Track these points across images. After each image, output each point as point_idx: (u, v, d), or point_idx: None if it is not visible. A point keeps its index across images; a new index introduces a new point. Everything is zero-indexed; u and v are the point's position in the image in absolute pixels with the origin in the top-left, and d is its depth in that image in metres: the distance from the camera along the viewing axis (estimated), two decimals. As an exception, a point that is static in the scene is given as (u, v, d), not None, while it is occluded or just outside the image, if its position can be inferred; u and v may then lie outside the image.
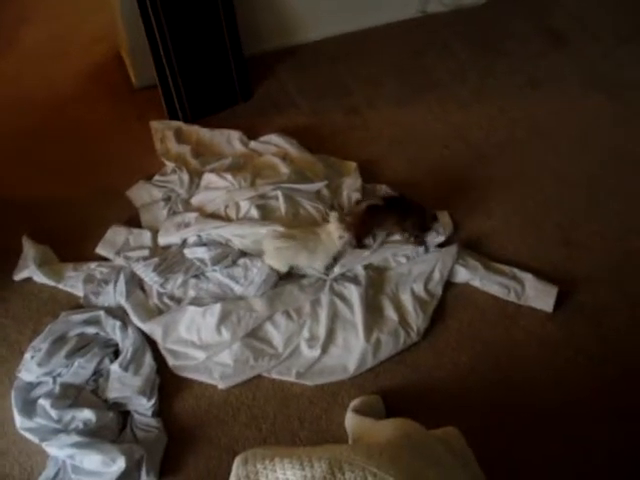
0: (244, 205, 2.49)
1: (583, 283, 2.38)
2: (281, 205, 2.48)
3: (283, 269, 2.35)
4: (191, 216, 2.48)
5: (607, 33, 3.34)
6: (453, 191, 2.66)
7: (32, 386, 2.17)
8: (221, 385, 2.17)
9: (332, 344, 2.22)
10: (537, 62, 3.20)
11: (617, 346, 2.22)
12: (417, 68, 3.18)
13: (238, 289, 2.33)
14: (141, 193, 2.67)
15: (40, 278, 2.42)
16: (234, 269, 2.36)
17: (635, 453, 1.99)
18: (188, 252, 2.40)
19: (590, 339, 2.24)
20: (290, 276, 2.39)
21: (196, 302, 2.31)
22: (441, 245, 2.46)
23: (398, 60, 3.23)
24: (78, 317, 2.29)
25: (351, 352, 2.19)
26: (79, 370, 2.18)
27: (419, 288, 2.34)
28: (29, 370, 2.18)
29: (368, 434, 1.82)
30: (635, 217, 2.57)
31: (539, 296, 2.32)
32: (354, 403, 2.07)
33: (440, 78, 3.14)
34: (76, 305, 2.37)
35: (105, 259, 2.48)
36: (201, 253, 2.38)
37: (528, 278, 2.36)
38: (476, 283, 2.37)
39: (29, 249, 2.47)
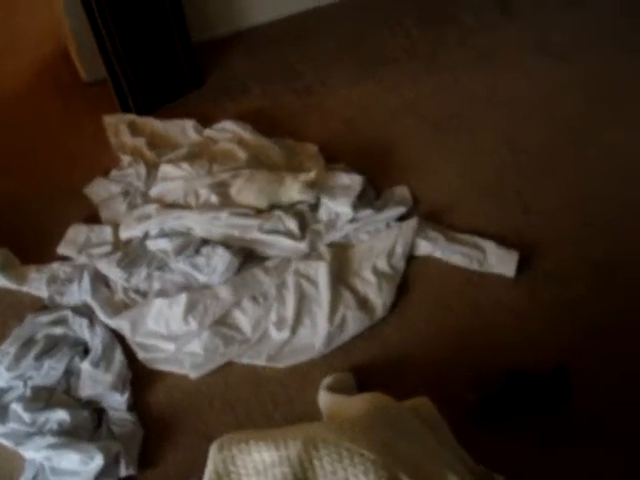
0: (203, 193, 2.48)
1: (544, 248, 2.41)
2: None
3: (261, 204, 2.41)
4: (151, 208, 2.47)
5: (552, 1, 3.36)
6: (411, 165, 2.68)
7: (2, 392, 2.15)
8: (193, 374, 2.17)
9: (300, 325, 2.23)
10: (488, 32, 3.21)
11: (579, 308, 2.26)
12: (368, 45, 3.19)
13: (202, 278, 2.33)
14: (99, 189, 2.64)
15: (2, 282, 2.39)
16: (197, 258, 2.36)
17: (600, 408, 2.04)
18: (150, 244, 2.39)
19: (553, 303, 2.27)
20: (253, 259, 2.40)
21: (162, 294, 2.31)
22: (401, 219, 2.47)
23: (349, 38, 3.23)
24: (44, 318, 2.27)
25: (319, 331, 2.20)
26: (50, 371, 2.16)
27: (382, 263, 2.35)
28: (-1, 375, 2.17)
29: (341, 410, 1.85)
30: (593, 182, 2.60)
31: (501, 262, 2.35)
32: (326, 381, 2.09)
33: (392, 54, 3.14)
34: (41, 307, 2.34)
35: (67, 258, 2.46)
36: (163, 244, 2.37)
37: (489, 245, 2.38)
38: (438, 254, 2.39)
39: (-12, 253, 2.45)
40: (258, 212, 2.45)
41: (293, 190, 2.45)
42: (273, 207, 2.47)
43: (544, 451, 1.93)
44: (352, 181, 2.52)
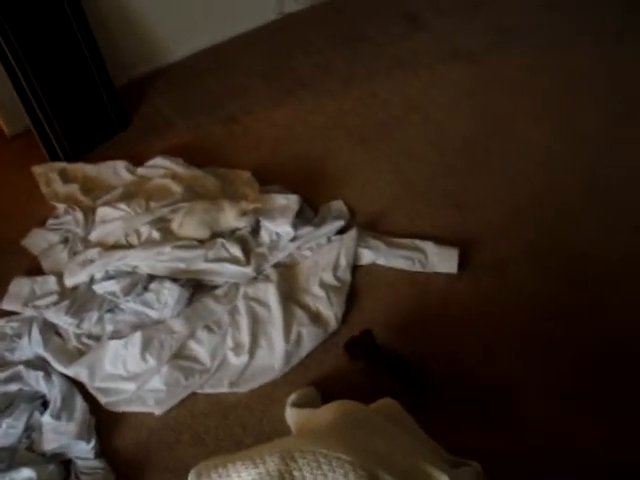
0: (144, 230, 2.50)
1: (480, 241, 2.53)
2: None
3: (203, 234, 2.45)
4: (93, 252, 2.46)
5: (455, 8, 3.54)
6: (342, 178, 2.77)
7: (-39, 462, 2.11)
8: (157, 411, 2.17)
9: (257, 347, 2.26)
10: (399, 43, 3.36)
11: (522, 292, 2.37)
12: (285, 68, 3.27)
13: (154, 314, 2.33)
14: (37, 240, 2.62)
15: (-53, 346, 2.34)
16: (146, 295, 2.36)
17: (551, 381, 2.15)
18: (98, 288, 2.38)
19: (497, 290, 2.38)
20: (202, 289, 2.42)
21: (116, 335, 2.30)
22: (341, 232, 2.54)
23: (265, 64, 3.31)
24: (-3, 377, 2.24)
25: (277, 351, 2.24)
26: (9, 430, 2.11)
27: (329, 276, 2.41)
28: (-44, 443, 2.11)
29: (310, 423, 1.88)
30: (514, 173, 2.75)
31: (442, 261, 2.45)
32: (291, 398, 2.12)
33: (309, 74, 3.24)
34: (-8, 367, 2.30)
35: (13, 313, 2.41)
36: (110, 286, 2.36)
37: (429, 246, 2.48)
38: (381, 261, 2.47)
39: None
40: (201, 243, 2.47)
41: (231, 217, 2.48)
42: (215, 236, 2.50)
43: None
44: (289, 201, 2.57)
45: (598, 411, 2.06)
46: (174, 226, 2.50)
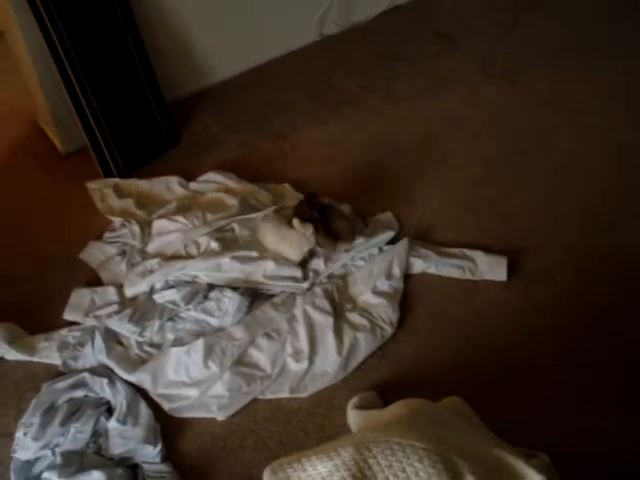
0: (203, 241, 2.55)
1: (527, 249, 2.59)
2: (239, 235, 2.58)
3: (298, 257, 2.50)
4: (153, 262, 2.51)
5: (493, 30, 3.63)
6: (390, 192, 2.83)
7: (30, 463, 2.13)
8: (220, 417, 2.21)
9: (316, 354, 2.31)
10: (436, 62, 3.44)
11: (570, 298, 2.43)
12: (328, 87, 3.36)
13: (215, 322, 2.38)
14: (94, 253, 2.68)
15: (13, 355, 2.38)
16: (207, 304, 2.41)
17: (600, 390, 2.20)
18: (158, 297, 2.43)
19: (546, 297, 2.44)
20: (259, 297, 2.47)
21: (177, 343, 2.35)
22: (391, 242, 2.61)
23: (308, 83, 3.39)
24: (62, 384, 2.27)
25: (334, 357, 2.28)
26: (77, 435, 2.16)
27: (382, 284, 2.46)
28: (25, 447, 2.14)
29: (377, 422, 1.92)
30: (555, 182, 2.83)
31: (492, 269, 2.51)
32: (353, 401, 2.16)
33: (351, 92, 3.31)
34: (55, 374, 2.34)
35: (74, 323, 2.47)
36: (171, 295, 2.42)
37: (478, 255, 2.54)
38: (432, 270, 2.52)
39: (-5, 329, 2.45)
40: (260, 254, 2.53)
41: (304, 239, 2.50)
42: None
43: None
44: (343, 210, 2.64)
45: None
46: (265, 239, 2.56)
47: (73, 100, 2.69)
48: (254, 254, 2.49)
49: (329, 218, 2.53)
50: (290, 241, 2.46)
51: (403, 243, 2.55)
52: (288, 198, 2.78)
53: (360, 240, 2.56)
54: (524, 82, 3.29)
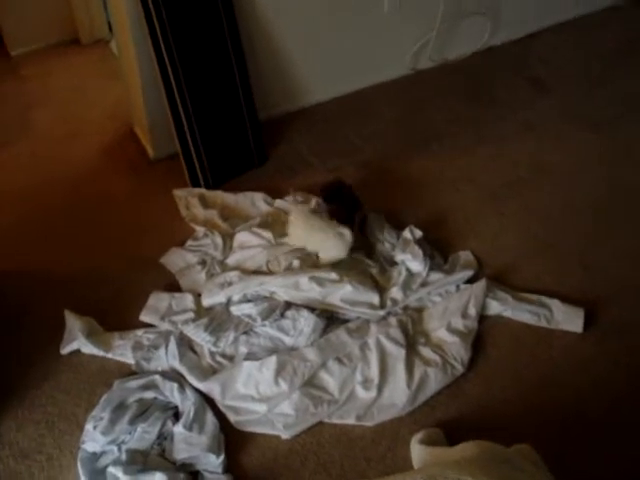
0: (284, 259, 2.59)
1: (606, 302, 2.53)
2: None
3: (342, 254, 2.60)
4: (232, 275, 2.56)
5: (582, 77, 3.62)
6: (472, 230, 2.83)
7: (97, 456, 2.18)
8: (285, 435, 2.21)
9: (385, 384, 2.29)
10: (525, 107, 3.45)
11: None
12: (417, 121, 3.39)
13: (289, 340, 2.40)
14: (175, 259, 2.74)
15: (89, 349, 2.45)
16: (283, 321, 2.44)
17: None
18: (235, 309, 2.47)
19: (623, 352, 2.38)
20: (334, 321, 2.48)
21: (250, 357, 2.37)
22: (469, 282, 2.59)
23: (398, 115, 3.43)
24: (134, 383, 2.32)
25: (403, 389, 2.26)
26: (143, 435, 2.20)
27: (457, 322, 2.44)
28: (94, 440, 2.19)
29: (442, 459, 1.89)
30: (634, 239, 2.77)
31: (568, 319, 2.46)
32: (418, 436, 2.14)
33: (440, 128, 3.34)
34: (127, 373, 2.39)
35: (150, 325, 2.53)
36: (248, 309, 2.45)
37: (555, 303, 2.49)
38: (508, 314, 2.49)
39: (74, 321, 2.51)
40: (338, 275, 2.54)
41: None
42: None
43: None
44: (413, 234, 2.68)
45: None
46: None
47: (171, 108, 2.78)
48: (333, 276, 2.50)
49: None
50: (327, 239, 2.56)
51: (481, 283, 2.53)
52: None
53: (438, 275, 2.57)
54: (616, 134, 3.26)
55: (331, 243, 2.58)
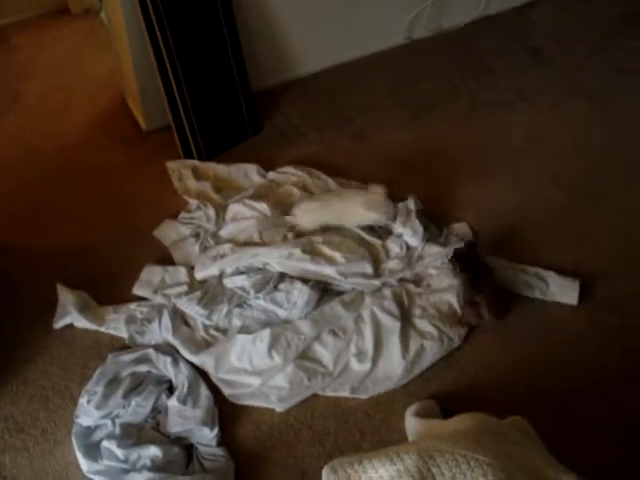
0: (278, 230, 2.58)
1: (601, 276, 2.52)
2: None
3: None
4: (225, 247, 2.54)
5: (579, 47, 3.56)
6: (467, 202, 2.81)
7: (91, 430, 2.18)
8: (279, 408, 2.21)
9: (380, 356, 2.29)
10: (521, 76, 3.40)
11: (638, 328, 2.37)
12: (412, 91, 3.35)
13: (282, 313, 2.39)
14: (168, 232, 2.72)
15: (82, 323, 2.44)
16: (276, 294, 2.42)
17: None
18: (228, 282, 2.45)
19: (617, 327, 2.38)
20: (329, 293, 2.47)
21: (243, 330, 2.36)
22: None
23: (393, 85, 3.39)
24: (127, 357, 2.31)
25: (398, 362, 2.26)
26: (137, 409, 2.20)
27: (453, 295, 2.44)
28: (88, 414, 2.19)
29: (437, 432, 1.88)
30: (635, 212, 2.74)
31: (563, 291, 2.45)
32: (412, 408, 2.14)
33: (435, 98, 3.30)
34: (121, 346, 2.39)
35: (143, 299, 2.51)
36: (241, 281, 2.44)
37: (550, 275, 2.48)
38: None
39: (67, 296, 2.49)
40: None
41: (359, 212, 2.59)
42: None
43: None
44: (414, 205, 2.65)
45: None
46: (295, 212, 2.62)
47: (163, 79, 2.74)
48: (326, 248, 2.49)
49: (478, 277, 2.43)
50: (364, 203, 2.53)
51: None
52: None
53: (435, 248, 2.54)
54: (612, 105, 3.22)
55: (362, 210, 2.57)
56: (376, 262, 2.51)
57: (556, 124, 3.15)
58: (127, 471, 2.06)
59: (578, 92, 3.29)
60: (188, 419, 2.17)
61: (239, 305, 2.42)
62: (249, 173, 2.91)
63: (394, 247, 2.57)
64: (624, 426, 2.13)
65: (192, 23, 2.70)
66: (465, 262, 2.43)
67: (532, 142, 3.06)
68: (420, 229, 2.55)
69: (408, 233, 2.57)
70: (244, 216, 2.66)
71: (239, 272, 2.48)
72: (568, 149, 3.03)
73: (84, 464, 2.09)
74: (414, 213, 2.61)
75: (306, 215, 2.62)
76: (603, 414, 2.16)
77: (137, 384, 2.27)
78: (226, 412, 2.22)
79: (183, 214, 2.78)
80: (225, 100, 2.94)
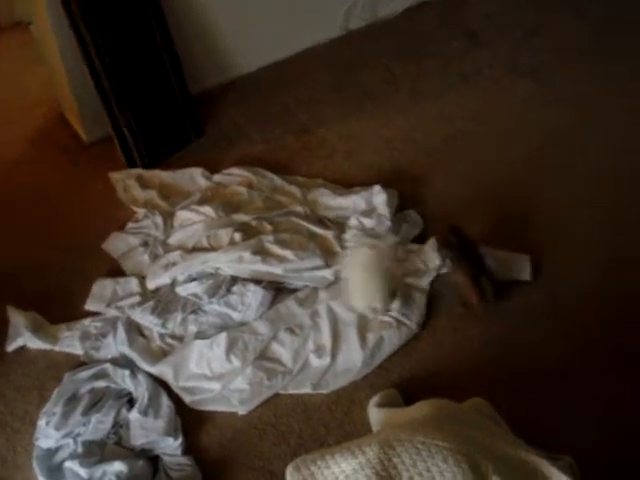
0: (225, 233, 2.55)
1: (550, 250, 2.55)
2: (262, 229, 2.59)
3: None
4: (175, 255, 2.52)
5: (515, 28, 3.59)
6: (414, 189, 2.81)
7: (52, 451, 2.14)
8: (242, 410, 2.20)
9: (339, 350, 2.29)
10: (460, 59, 3.42)
11: (596, 301, 2.39)
12: (352, 82, 3.35)
13: (237, 316, 2.38)
14: (117, 243, 2.68)
15: (35, 344, 2.39)
16: (230, 297, 2.41)
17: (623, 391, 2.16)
18: (180, 289, 2.43)
19: (568, 297, 2.40)
20: (283, 292, 2.46)
21: (200, 336, 2.34)
22: (417, 240, 2.60)
23: (333, 78, 3.39)
24: (84, 374, 2.28)
25: (357, 354, 2.27)
26: (98, 425, 2.16)
27: (409, 283, 2.44)
28: (47, 436, 2.15)
29: (399, 420, 1.90)
30: (575, 186, 2.77)
31: (515, 268, 2.47)
32: (374, 399, 2.14)
33: (376, 88, 3.31)
34: (77, 364, 2.35)
35: (96, 313, 2.48)
36: (194, 288, 2.42)
37: (501, 253, 2.49)
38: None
39: (17, 317, 2.45)
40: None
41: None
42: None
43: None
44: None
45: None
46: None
47: (98, 89, 2.70)
48: (275, 247, 2.48)
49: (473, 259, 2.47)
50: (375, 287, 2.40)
51: (431, 242, 2.52)
52: (316, 194, 2.76)
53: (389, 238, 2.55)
54: (550, 81, 3.26)
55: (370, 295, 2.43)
56: (329, 254, 2.51)
57: (498, 104, 3.18)
58: (92, 490, 2.04)
59: (517, 71, 3.32)
60: (151, 430, 2.14)
61: (194, 311, 2.40)
62: (195, 177, 2.88)
63: (349, 237, 2.57)
64: (589, 401, 2.14)
65: (123, 30, 2.67)
66: (459, 247, 2.47)
67: (477, 123, 3.08)
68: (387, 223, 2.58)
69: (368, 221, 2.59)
70: (192, 221, 2.64)
71: (191, 279, 2.46)
72: (512, 128, 3.05)
73: (47, 487, 2.06)
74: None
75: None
76: (564, 390, 2.17)
77: (96, 400, 2.23)
78: (189, 420, 2.20)
79: (131, 224, 2.75)
80: (164, 105, 2.91)
